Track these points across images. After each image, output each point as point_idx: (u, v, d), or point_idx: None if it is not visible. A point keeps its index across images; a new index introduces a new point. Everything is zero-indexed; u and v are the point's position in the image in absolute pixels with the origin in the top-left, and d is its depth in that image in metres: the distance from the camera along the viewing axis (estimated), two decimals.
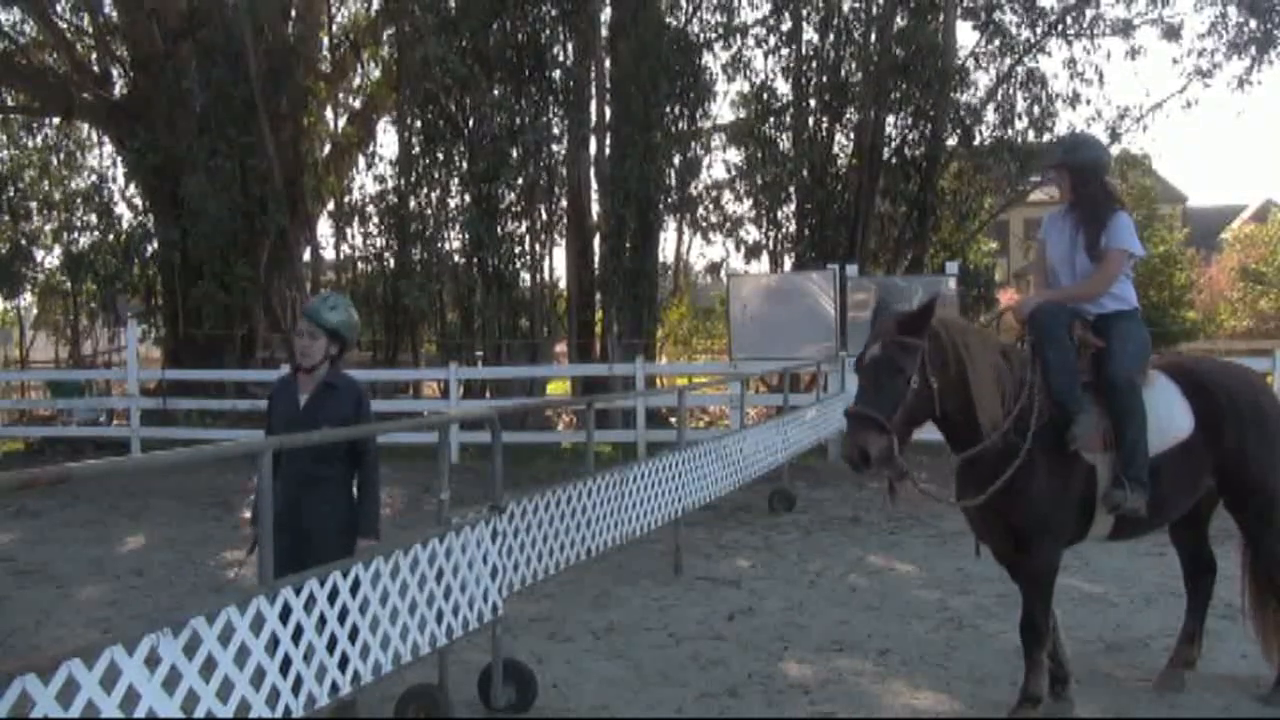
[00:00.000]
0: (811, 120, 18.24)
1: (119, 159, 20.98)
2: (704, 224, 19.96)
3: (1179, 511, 5.12)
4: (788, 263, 18.46)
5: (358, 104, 22.24)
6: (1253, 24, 17.19)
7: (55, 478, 2.99)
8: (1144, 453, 4.72)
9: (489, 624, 4.86)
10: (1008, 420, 4.61)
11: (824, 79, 17.87)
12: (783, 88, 18.38)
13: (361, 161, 20.64)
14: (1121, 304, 5.01)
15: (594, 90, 17.38)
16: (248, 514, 4.72)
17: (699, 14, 18.25)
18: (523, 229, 17.92)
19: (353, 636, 3.95)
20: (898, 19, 17.27)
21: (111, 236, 20.88)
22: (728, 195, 19.61)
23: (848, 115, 18.27)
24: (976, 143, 17.97)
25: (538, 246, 18.20)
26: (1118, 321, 4.96)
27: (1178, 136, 79.29)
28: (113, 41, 20.93)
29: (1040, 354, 4.81)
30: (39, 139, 23.42)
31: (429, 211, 18.43)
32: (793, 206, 18.45)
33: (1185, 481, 4.96)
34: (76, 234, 21.78)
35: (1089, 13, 17.90)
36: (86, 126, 22.30)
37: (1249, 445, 4.97)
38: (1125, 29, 17.92)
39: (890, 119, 18.00)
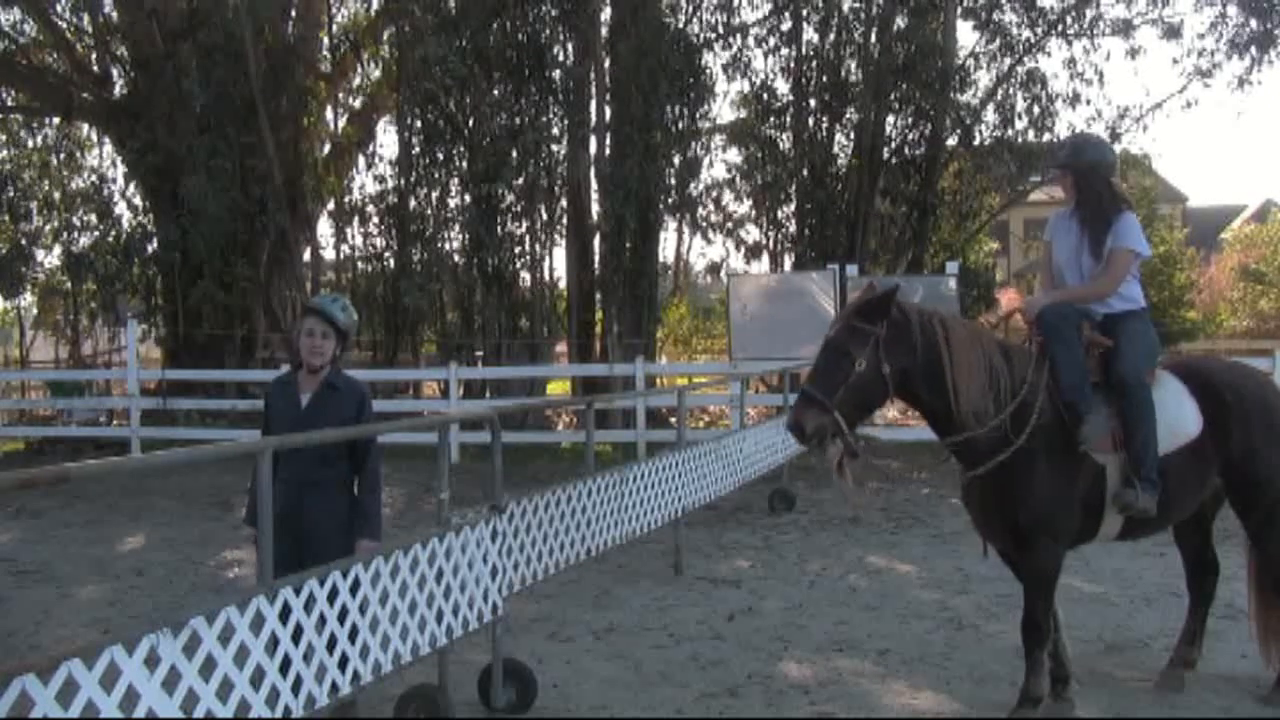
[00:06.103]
0: (811, 120, 18.24)
1: (119, 159, 21.00)
2: (704, 224, 20.03)
3: (1186, 511, 5.10)
4: (788, 263, 18.46)
5: (358, 104, 22.23)
6: (1253, 24, 17.21)
7: (55, 478, 2.98)
8: (1154, 453, 4.71)
9: (489, 624, 4.86)
10: (1001, 415, 4.62)
11: (824, 79, 17.87)
12: (783, 88, 18.42)
13: (361, 161, 20.67)
14: (1129, 304, 5.00)
15: (594, 90, 17.37)
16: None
17: (699, 14, 18.25)
18: (523, 229, 17.91)
19: (352, 636, 3.95)
20: (898, 19, 17.27)
21: (111, 236, 20.89)
22: (728, 195, 19.70)
23: (848, 115, 18.27)
24: (976, 143, 17.98)
25: (538, 246, 18.21)
26: (1126, 321, 4.95)
27: (1178, 136, 79.44)
28: (113, 41, 20.92)
29: (1049, 354, 4.80)
30: (39, 139, 23.40)
31: (429, 211, 18.42)
32: (793, 206, 18.46)
33: (1193, 481, 4.95)
34: (76, 234, 21.81)
35: (1089, 13, 17.90)
36: (86, 126, 22.29)
37: (1257, 445, 4.96)
38: (1125, 29, 17.95)
39: (890, 119, 18.00)
